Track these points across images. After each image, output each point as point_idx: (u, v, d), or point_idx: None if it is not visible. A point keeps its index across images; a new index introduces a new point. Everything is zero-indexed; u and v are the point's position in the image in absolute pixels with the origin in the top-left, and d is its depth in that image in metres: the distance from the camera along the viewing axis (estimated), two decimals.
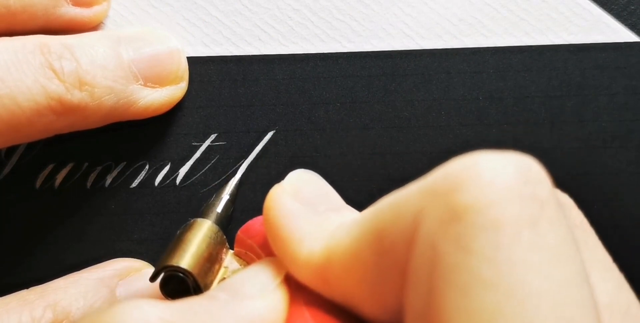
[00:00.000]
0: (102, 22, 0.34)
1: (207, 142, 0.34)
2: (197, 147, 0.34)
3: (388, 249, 0.22)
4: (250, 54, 0.34)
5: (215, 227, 0.29)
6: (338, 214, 0.26)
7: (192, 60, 0.34)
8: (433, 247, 0.20)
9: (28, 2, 0.31)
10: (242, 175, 0.33)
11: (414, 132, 0.34)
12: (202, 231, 0.29)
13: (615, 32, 0.34)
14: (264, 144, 0.34)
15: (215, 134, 0.34)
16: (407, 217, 0.21)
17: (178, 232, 0.29)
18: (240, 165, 0.34)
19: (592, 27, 0.34)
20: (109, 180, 0.34)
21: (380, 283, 0.22)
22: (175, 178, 0.34)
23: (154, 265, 0.33)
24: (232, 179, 0.33)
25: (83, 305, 0.30)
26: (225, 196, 0.31)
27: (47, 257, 0.34)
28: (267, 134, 0.34)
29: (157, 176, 0.34)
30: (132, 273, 0.32)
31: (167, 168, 0.34)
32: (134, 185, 0.34)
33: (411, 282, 0.21)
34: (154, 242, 0.34)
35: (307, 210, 0.26)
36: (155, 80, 0.32)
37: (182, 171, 0.34)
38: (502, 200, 0.20)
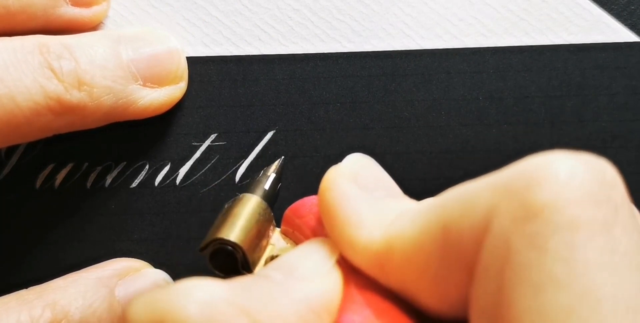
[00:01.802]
0: (101, 22, 0.34)
1: (207, 142, 0.34)
2: (197, 147, 0.34)
3: (455, 243, 0.22)
4: (250, 54, 0.34)
5: (264, 203, 0.28)
6: (396, 201, 0.26)
7: (192, 60, 0.34)
8: (506, 244, 0.20)
9: (27, 2, 0.31)
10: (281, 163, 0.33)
11: (414, 132, 0.34)
12: (251, 206, 0.28)
13: (615, 32, 0.34)
14: (264, 144, 0.34)
15: (215, 134, 0.34)
16: (477, 212, 0.21)
17: (226, 206, 0.29)
18: (240, 165, 0.34)
19: (592, 27, 0.34)
20: (109, 180, 0.34)
21: (442, 276, 0.22)
22: (175, 178, 0.34)
23: (153, 265, 0.33)
24: (279, 159, 0.33)
25: (82, 304, 0.30)
26: (272, 174, 0.31)
27: (47, 256, 0.34)
28: (267, 134, 0.34)
29: (157, 176, 0.34)
30: (131, 273, 0.32)
31: (167, 168, 0.34)
32: (134, 185, 0.34)
33: (480, 277, 0.21)
34: (154, 242, 0.34)
35: (365, 194, 0.25)
36: (154, 80, 0.32)
37: (182, 171, 0.34)
38: (578, 201, 0.20)
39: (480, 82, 0.34)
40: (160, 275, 0.33)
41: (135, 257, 0.33)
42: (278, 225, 0.29)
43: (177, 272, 0.33)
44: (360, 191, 0.26)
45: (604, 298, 0.19)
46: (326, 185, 0.26)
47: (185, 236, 0.34)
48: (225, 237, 0.27)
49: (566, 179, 0.20)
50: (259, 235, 0.28)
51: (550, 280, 0.19)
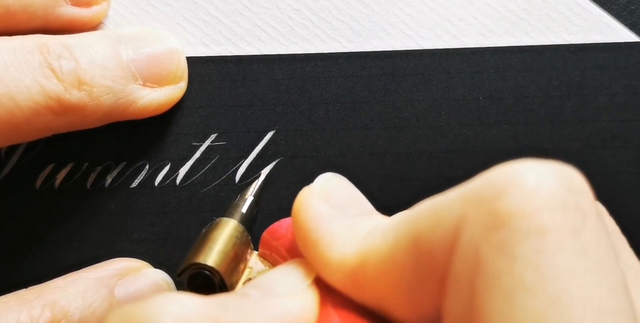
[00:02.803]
0: (101, 22, 0.34)
1: (207, 142, 0.34)
2: (197, 147, 0.34)
3: (426, 255, 0.22)
4: (250, 54, 0.34)
5: (241, 227, 0.29)
6: (369, 218, 0.26)
7: (192, 60, 0.34)
8: (476, 253, 0.20)
9: (27, 2, 0.31)
10: (266, 177, 0.33)
11: (414, 132, 0.34)
12: (228, 230, 0.28)
13: (615, 32, 0.34)
14: (264, 144, 0.34)
15: (215, 134, 0.34)
16: (447, 223, 0.21)
17: (203, 230, 0.29)
18: (240, 165, 0.34)
19: (592, 27, 0.34)
20: (109, 180, 0.34)
21: (417, 289, 0.22)
22: (175, 179, 0.34)
23: (153, 265, 0.33)
24: (257, 180, 0.33)
25: (82, 304, 0.30)
26: (250, 197, 0.31)
27: (46, 256, 0.34)
28: (267, 134, 0.34)
29: (157, 176, 0.34)
30: (131, 273, 0.32)
31: (167, 168, 0.34)
32: (134, 185, 0.34)
33: (451, 287, 0.21)
34: (154, 242, 0.34)
35: (337, 213, 0.26)
36: (154, 80, 0.32)
37: (182, 171, 0.34)
38: (546, 207, 0.20)
39: (480, 82, 0.34)
40: (160, 275, 0.33)
41: (135, 257, 0.33)
42: (256, 248, 0.29)
43: (177, 272, 0.33)
44: (332, 210, 0.26)
45: (575, 302, 0.19)
46: (298, 205, 0.26)
47: (185, 236, 0.34)
48: (202, 262, 0.27)
49: (533, 187, 0.20)
50: (236, 258, 0.28)
51: (520, 287, 0.19)
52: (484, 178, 0.21)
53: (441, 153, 0.33)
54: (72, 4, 0.33)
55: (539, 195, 0.20)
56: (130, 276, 0.32)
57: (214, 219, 0.29)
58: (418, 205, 0.23)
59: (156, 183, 0.34)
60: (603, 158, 0.33)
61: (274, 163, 0.34)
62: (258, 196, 0.31)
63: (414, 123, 0.34)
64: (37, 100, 0.29)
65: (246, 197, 0.31)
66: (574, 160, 0.33)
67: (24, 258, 0.34)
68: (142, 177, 0.34)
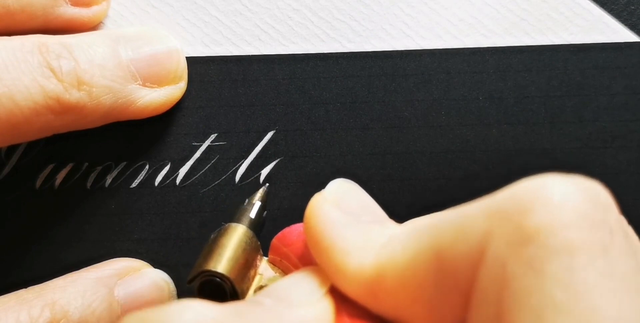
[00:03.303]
0: (101, 22, 0.34)
1: (207, 142, 0.34)
2: (197, 147, 0.34)
3: (449, 268, 0.22)
4: (250, 54, 0.34)
5: (250, 232, 0.28)
6: (383, 226, 0.25)
7: (192, 60, 0.34)
8: (503, 269, 0.20)
9: (27, 1, 0.31)
10: (269, 182, 0.33)
11: (414, 132, 0.34)
12: (237, 236, 0.28)
13: (615, 32, 0.34)
14: (264, 144, 0.34)
15: (215, 134, 0.34)
16: (471, 237, 0.21)
17: (212, 236, 0.28)
18: (240, 165, 0.34)
19: (592, 27, 0.34)
20: (109, 180, 0.34)
21: (437, 301, 0.22)
22: (175, 179, 0.34)
23: (153, 265, 0.33)
24: (264, 186, 0.33)
25: (81, 304, 0.30)
26: (257, 202, 0.30)
27: (46, 256, 0.34)
28: (267, 134, 0.34)
29: (157, 176, 0.34)
30: (130, 273, 0.32)
31: (167, 168, 0.34)
32: (134, 185, 0.34)
33: (477, 302, 0.21)
34: (154, 242, 0.34)
35: (351, 220, 0.25)
36: (154, 80, 0.32)
37: (182, 171, 0.34)
38: (573, 224, 0.20)
39: (480, 82, 0.34)
40: (160, 275, 0.33)
41: (135, 257, 0.33)
42: (265, 254, 0.29)
43: (177, 272, 0.33)
44: (346, 217, 0.25)
45: (605, 321, 0.19)
46: (310, 212, 0.26)
47: (185, 236, 0.34)
48: (213, 269, 0.26)
49: (560, 202, 0.20)
50: (246, 265, 0.27)
51: (550, 304, 0.19)
52: (508, 193, 0.21)
53: (441, 153, 0.33)
54: (71, 4, 0.33)
55: (566, 211, 0.20)
56: (129, 276, 0.32)
57: (223, 224, 0.29)
58: (438, 214, 0.23)
59: (156, 183, 0.34)
60: (603, 158, 0.33)
61: (274, 163, 0.34)
62: (265, 202, 0.31)
63: (414, 123, 0.34)
64: (36, 100, 0.29)
65: (253, 201, 0.30)
66: (574, 160, 0.33)
67: (24, 258, 0.34)
68: (142, 177, 0.34)
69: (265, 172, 0.34)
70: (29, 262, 0.34)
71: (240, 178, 0.34)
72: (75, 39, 0.31)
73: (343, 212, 0.25)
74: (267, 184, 0.33)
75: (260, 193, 0.31)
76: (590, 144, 0.33)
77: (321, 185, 0.33)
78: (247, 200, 0.30)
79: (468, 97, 0.33)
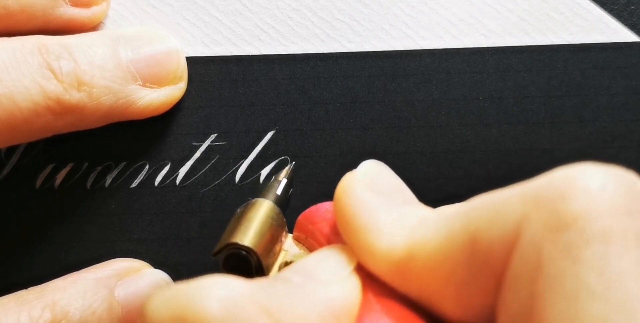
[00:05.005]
0: (101, 22, 0.34)
1: (207, 142, 0.34)
2: (197, 147, 0.34)
3: (483, 251, 0.22)
4: (250, 54, 0.34)
5: (277, 208, 0.28)
6: (415, 208, 0.25)
7: (192, 60, 0.34)
8: (538, 253, 0.20)
9: (26, 2, 0.31)
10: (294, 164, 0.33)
11: (414, 132, 0.34)
12: (264, 211, 0.28)
13: (615, 32, 0.34)
14: (264, 144, 0.34)
15: (215, 134, 0.34)
16: (507, 222, 0.21)
17: (238, 210, 0.28)
18: (240, 165, 0.34)
19: (592, 27, 0.34)
20: (109, 180, 0.34)
21: (468, 284, 0.22)
22: (175, 178, 0.34)
23: (153, 265, 0.33)
24: (290, 164, 0.33)
25: (82, 305, 0.30)
26: (284, 179, 0.30)
27: (47, 256, 0.34)
28: (267, 134, 0.34)
29: (157, 176, 0.34)
30: (131, 274, 0.32)
31: (167, 168, 0.34)
32: (134, 185, 0.34)
33: (510, 286, 0.21)
34: (154, 242, 0.34)
35: (383, 201, 0.25)
36: (154, 80, 0.32)
37: (182, 171, 0.34)
38: (610, 212, 0.20)
39: (480, 82, 0.34)
40: (160, 275, 0.33)
41: (135, 257, 0.33)
42: (290, 231, 0.29)
43: (177, 272, 0.33)
44: (377, 197, 0.25)
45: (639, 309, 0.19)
46: (342, 191, 0.25)
47: (185, 236, 0.34)
48: (240, 242, 0.26)
49: (597, 190, 0.20)
50: (272, 240, 0.27)
51: (585, 290, 0.19)
52: (545, 180, 0.21)
53: (441, 153, 0.33)
54: (71, 5, 0.32)
55: (602, 199, 0.20)
56: (130, 276, 0.32)
57: (249, 199, 0.28)
58: (473, 199, 0.23)
59: (156, 183, 0.34)
60: (603, 158, 0.33)
61: (274, 163, 0.34)
62: (291, 179, 0.31)
63: (414, 123, 0.34)
64: (36, 101, 0.29)
65: (280, 178, 0.30)
66: (574, 160, 0.33)
67: (24, 258, 0.34)
68: (142, 177, 0.34)
69: (265, 172, 0.34)
70: (29, 262, 0.34)
71: (240, 178, 0.34)
72: (75, 39, 0.31)
73: (375, 193, 0.25)
74: (294, 162, 0.33)
75: (286, 170, 0.31)
76: (590, 144, 0.33)
77: (321, 185, 0.33)
78: (273, 177, 0.30)
79: (468, 97, 0.33)
